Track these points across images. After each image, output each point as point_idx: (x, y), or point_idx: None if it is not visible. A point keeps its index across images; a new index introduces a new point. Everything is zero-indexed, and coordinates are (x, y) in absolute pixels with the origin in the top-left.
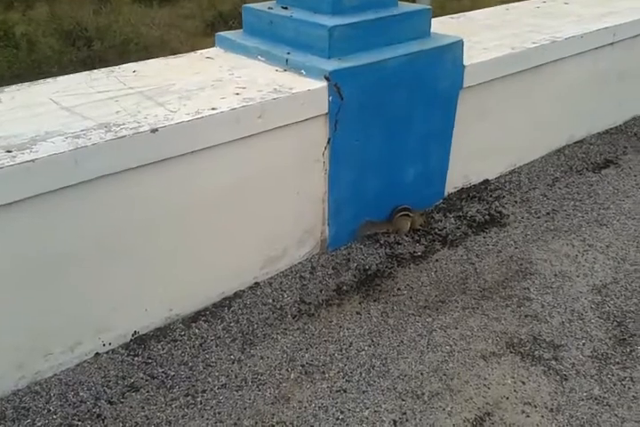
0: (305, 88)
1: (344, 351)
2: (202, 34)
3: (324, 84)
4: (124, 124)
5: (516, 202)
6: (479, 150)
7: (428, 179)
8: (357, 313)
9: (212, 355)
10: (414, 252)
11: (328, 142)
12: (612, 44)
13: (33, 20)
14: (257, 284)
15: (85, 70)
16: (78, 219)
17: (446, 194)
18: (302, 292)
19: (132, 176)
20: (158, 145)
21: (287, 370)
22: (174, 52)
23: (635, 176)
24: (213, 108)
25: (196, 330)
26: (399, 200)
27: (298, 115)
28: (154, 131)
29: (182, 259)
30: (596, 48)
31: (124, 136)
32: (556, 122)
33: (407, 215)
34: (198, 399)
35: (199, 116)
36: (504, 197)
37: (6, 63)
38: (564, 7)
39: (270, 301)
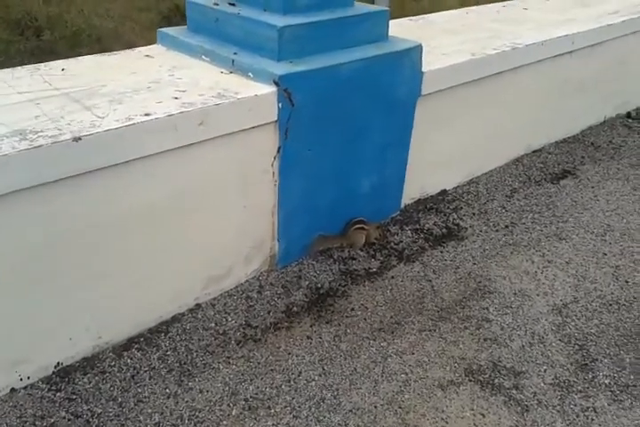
0: (252, 93)
1: (292, 382)
2: (157, 27)
3: (273, 89)
4: (42, 131)
5: (474, 214)
6: (437, 160)
7: (384, 190)
8: (308, 337)
9: (145, 389)
10: (369, 268)
11: (278, 152)
12: (570, 52)
13: None
14: (198, 305)
15: (35, 61)
16: None
17: (403, 205)
18: (248, 314)
19: (50, 191)
20: (81, 156)
21: (228, 405)
22: (129, 44)
23: (592, 188)
24: (147, 114)
25: (128, 360)
26: (354, 212)
27: (244, 122)
28: (76, 139)
29: (112, 280)
30: (555, 56)
31: (41, 146)
32: (515, 130)
33: (362, 228)
34: None
35: (130, 122)
36: (462, 208)
37: None
38: (524, 13)
39: (212, 325)
